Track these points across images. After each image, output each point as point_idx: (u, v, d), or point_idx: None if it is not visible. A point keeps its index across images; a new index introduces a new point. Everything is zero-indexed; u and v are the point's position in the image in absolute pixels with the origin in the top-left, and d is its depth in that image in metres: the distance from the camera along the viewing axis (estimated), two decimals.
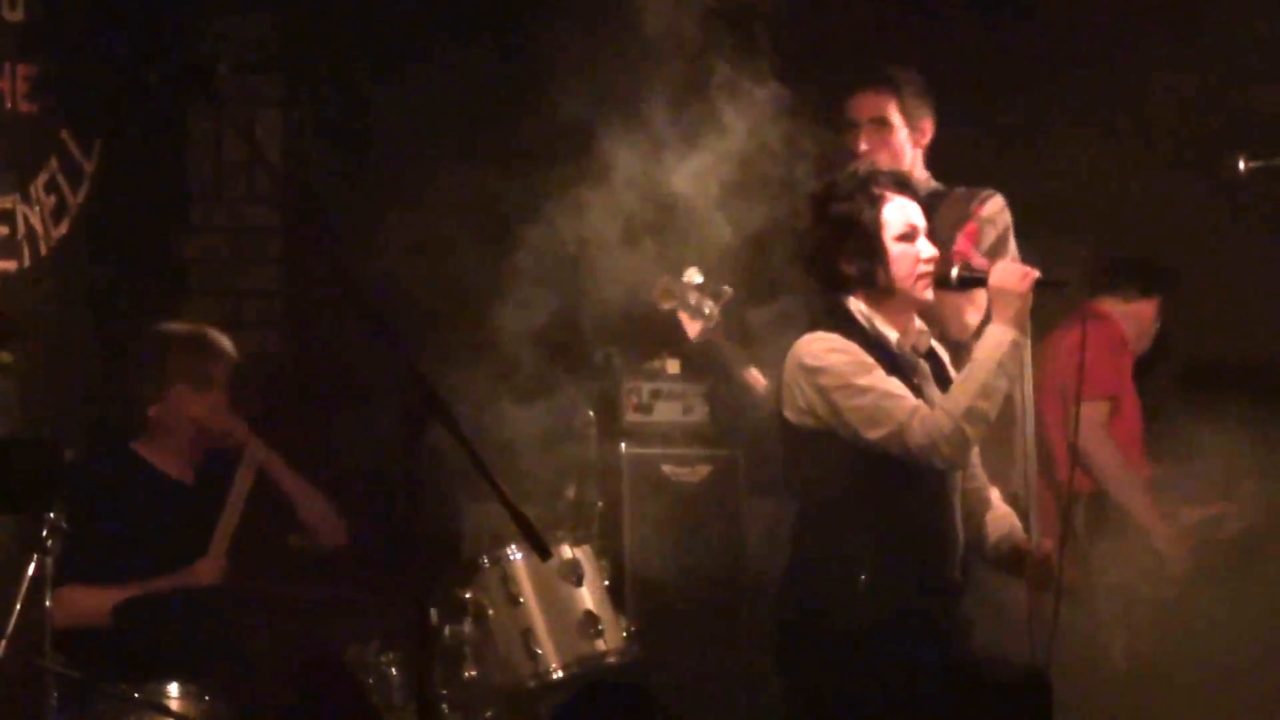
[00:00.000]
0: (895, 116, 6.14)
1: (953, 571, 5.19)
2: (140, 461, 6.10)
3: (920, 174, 6.09)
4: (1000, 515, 5.36)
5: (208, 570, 5.95)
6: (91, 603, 5.72)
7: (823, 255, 5.19)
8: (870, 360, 5.07)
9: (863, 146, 6.04)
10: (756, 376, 6.06)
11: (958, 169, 6.25)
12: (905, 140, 6.14)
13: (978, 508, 5.32)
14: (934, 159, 6.17)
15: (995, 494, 5.40)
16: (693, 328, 6.07)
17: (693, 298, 6.05)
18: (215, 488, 6.08)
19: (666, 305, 6.08)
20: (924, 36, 7.15)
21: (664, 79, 6.10)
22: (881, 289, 5.14)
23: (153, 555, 5.91)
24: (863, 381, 5.04)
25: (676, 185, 6.08)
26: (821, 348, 5.11)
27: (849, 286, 5.16)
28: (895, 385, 5.06)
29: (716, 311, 6.05)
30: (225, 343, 6.20)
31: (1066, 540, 5.27)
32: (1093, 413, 6.69)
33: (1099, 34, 7.19)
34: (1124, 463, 6.84)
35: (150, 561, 5.89)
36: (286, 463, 6.18)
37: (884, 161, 5.93)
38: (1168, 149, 7.12)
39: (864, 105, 6.16)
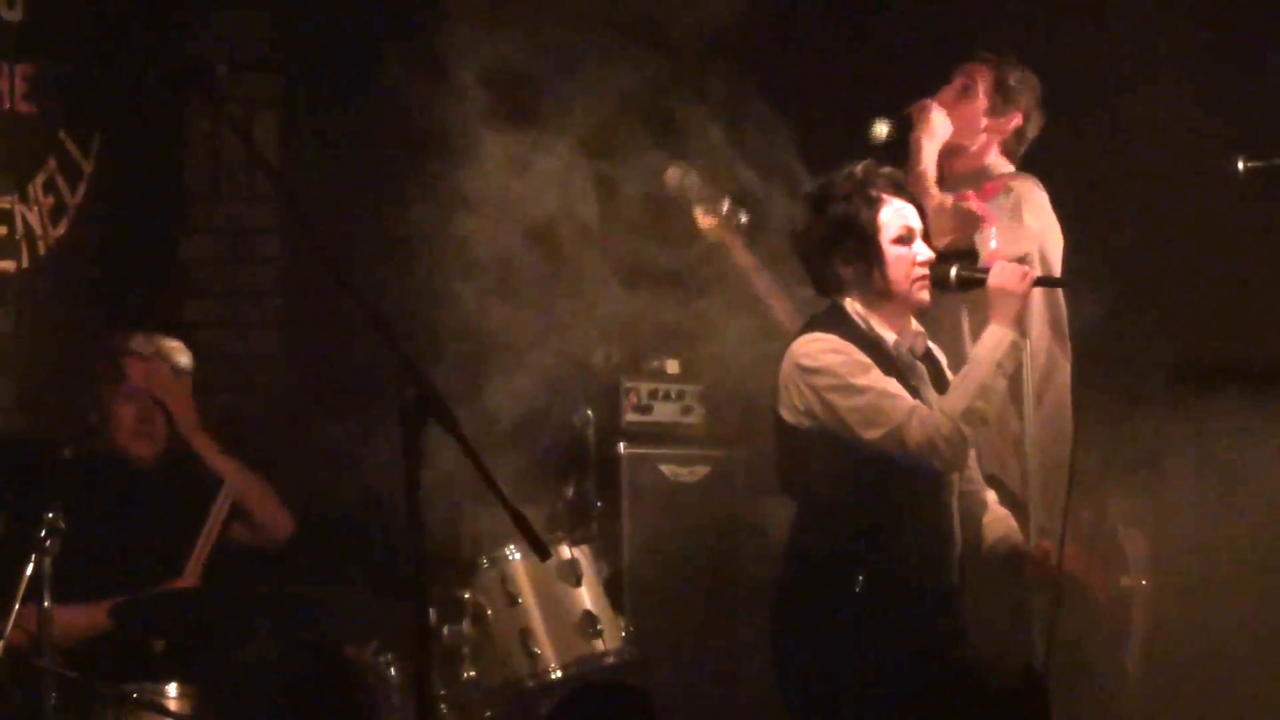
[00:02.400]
0: (982, 89, 6.10)
1: (950, 573, 5.19)
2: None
3: (993, 161, 6.08)
4: (998, 517, 5.35)
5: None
6: (77, 621, 5.69)
7: (819, 257, 5.18)
8: (867, 360, 5.06)
9: (933, 109, 5.97)
10: (770, 288, 5.91)
11: None
12: (982, 116, 6.10)
13: (975, 510, 5.32)
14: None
15: (992, 496, 5.40)
16: (704, 219, 5.88)
17: (705, 191, 5.83)
18: (179, 474, 6.09)
19: (673, 190, 5.83)
20: (926, 35, 7.16)
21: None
22: (878, 291, 5.14)
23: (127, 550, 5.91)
24: (860, 382, 5.04)
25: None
26: (818, 348, 5.10)
27: (845, 289, 5.16)
28: (893, 385, 5.06)
29: (735, 212, 5.85)
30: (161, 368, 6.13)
31: (1065, 542, 5.26)
32: None
33: (1097, 31, 7.19)
34: None
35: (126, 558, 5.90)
36: (241, 465, 6.16)
37: (951, 133, 5.96)
38: (1167, 148, 7.11)
39: (960, 71, 6.13)
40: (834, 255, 5.14)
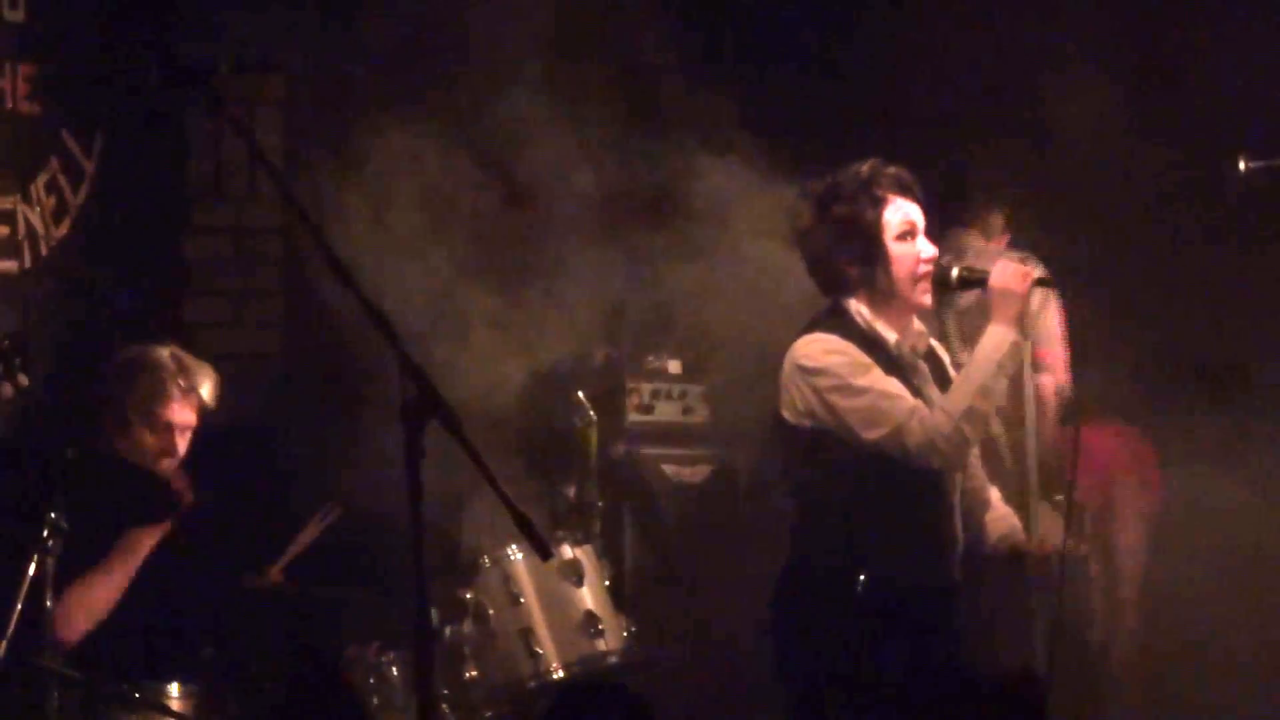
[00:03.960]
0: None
1: (952, 571, 5.19)
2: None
3: None
4: (1000, 515, 5.35)
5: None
6: (98, 585, 5.68)
7: (823, 256, 5.18)
8: (868, 360, 5.07)
9: None
10: None
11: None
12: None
13: (977, 507, 5.32)
14: (928, 156, 6.13)
15: (995, 493, 5.40)
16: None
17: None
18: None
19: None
20: (930, 35, 7.18)
21: None
22: (882, 291, 5.13)
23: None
24: (860, 382, 5.04)
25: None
26: (819, 349, 5.10)
27: (850, 288, 5.15)
28: (893, 385, 5.06)
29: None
30: (192, 383, 6.00)
31: (1068, 542, 5.26)
32: None
33: (1096, 31, 7.20)
34: None
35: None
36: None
37: None
38: (1168, 148, 7.11)
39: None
40: (839, 255, 5.14)
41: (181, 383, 5.94)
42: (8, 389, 5.30)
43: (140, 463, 5.95)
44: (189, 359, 6.02)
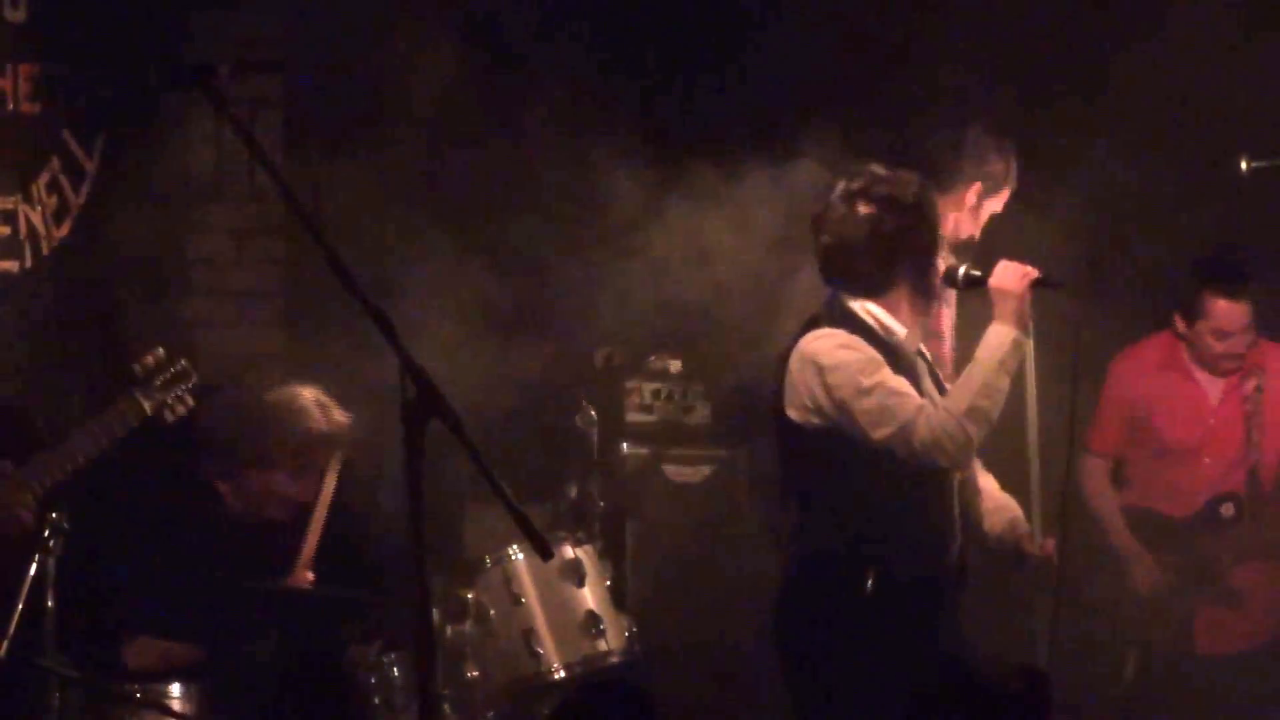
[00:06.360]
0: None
1: (952, 565, 5.19)
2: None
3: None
4: (999, 505, 5.34)
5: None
6: (159, 654, 5.67)
7: (878, 253, 5.10)
8: (879, 357, 5.07)
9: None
10: None
11: None
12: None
13: (972, 496, 5.32)
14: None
15: (991, 481, 5.39)
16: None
17: None
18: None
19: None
20: (932, 37, 7.18)
21: None
22: (924, 293, 5.17)
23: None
24: (870, 381, 5.04)
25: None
26: (831, 344, 5.10)
27: (892, 287, 5.14)
28: (902, 384, 5.06)
29: None
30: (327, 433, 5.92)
31: (1066, 541, 5.27)
32: (1091, 465, 6.71)
33: (1098, 31, 7.20)
34: (1109, 513, 6.76)
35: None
36: None
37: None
38: (1169, 148, 7.11)
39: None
40: (899, 254, 5.12)
41: (329, 453, 5.90)
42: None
43: (256, 506, 5.86)
44: (338, 423, 5.95)
